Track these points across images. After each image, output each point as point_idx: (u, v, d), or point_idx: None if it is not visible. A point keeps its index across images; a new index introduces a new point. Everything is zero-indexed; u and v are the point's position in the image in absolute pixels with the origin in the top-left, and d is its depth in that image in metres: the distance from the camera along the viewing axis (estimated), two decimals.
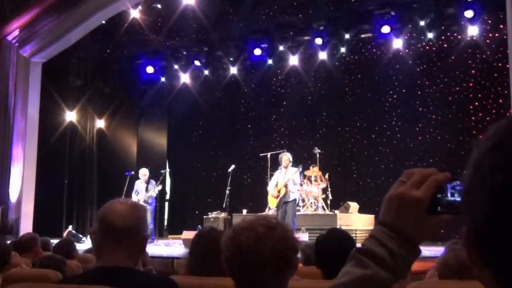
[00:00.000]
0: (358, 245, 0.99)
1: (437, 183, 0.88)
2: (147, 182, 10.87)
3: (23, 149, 10.94)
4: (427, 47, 11.69)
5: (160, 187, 10.87)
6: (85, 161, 13.42)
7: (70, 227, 11.82)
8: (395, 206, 0.90)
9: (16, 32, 10.80)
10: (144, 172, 10.95)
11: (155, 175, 11.16)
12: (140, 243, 1.91)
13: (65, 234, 11.13)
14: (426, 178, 0.89)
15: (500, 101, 10.81)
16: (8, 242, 4.07)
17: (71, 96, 13.14)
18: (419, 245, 0.91)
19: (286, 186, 9.05)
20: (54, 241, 5.18)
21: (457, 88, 11.51)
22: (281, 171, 9.30)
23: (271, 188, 9.37)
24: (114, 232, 1.84)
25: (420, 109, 11.87)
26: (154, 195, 10.87)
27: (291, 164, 9.30)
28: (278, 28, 12.12)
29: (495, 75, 11.02)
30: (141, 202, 10.39)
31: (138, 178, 11.02)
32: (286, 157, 9.30)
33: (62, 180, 12.85)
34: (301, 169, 9.39)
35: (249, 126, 13.97)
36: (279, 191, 9.08)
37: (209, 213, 11.50)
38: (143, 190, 10.77)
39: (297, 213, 9.76)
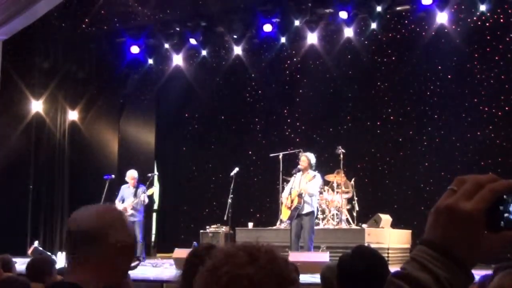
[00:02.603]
0: (391, 267, 0.98)
1: (496, 193, 0.88)
2: (136, 187, 10.94)
3: None
4: (479, 23, 11.61)
5: (155, 189, 10.88)
6: (54, 162, 13.47)
7: (36, 243, 11.88)
8: (442, 221, 0.90)
9: None
10: (132, 175, 11.03)
11: (141, 180, 11.20)
12: (110, 254, 1.80)
13: (29, 251, 11.19)
14: (481, 187, 0.89)
15: None
16: None
17: (38, 82, 13.19)
18: (471, 269, 0.91)
19: (300, 195, 9.02)
20: (17, 260, 5.22)
21: None
22: (297, 175, 9.29)
23: (285, 196, 9.36)
24: (75, 238, 1.82)
25: (470, 99, 11.80)
26: (146, 200, 10.94)
27: (312, 168, 9.27)
28: None
29: None
30: (129, 210, 10.55)
31: (125, 183, 11.09)
32: (304, 157, 9.27)
33: (27, 186, 12.91)
34: (316, 173, 9.33)
35: (256, 119, 13.97)
36: (292, 201, 9.07)
37: (207, 227, 11.51)
38: (131, 196, 10.83)
39: (316, 227, 9.75)
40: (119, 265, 1.84)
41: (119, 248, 1.81)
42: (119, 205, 10.88)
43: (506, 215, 0.88)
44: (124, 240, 1.82)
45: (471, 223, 0.88)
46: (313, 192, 9.15)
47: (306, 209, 9.06)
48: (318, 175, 9.30)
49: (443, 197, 0.92)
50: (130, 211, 10.77)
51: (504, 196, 0.88)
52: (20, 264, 7.77)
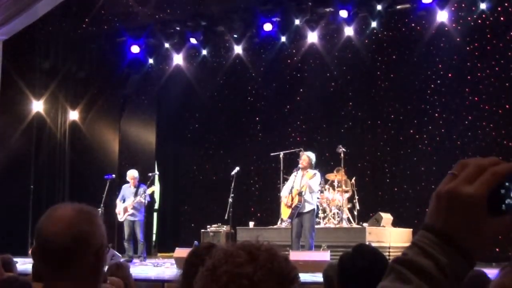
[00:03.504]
0: None
1: (498, 176, 0.87)
2: (137, 187, 11.00)
3: None
4: (479, 21, 11.61)
5: (155, 188, 10.91)
6: (55, 162, 13.47)
7: None
8: (443, 206, 0.90)
9: None
10: (132, 175, 11.10)
11: (142, 180, 11.23)
12: (95, 264, 1.71)
13: (30, 251, 11.20)
14: (483, 170, 0.88)
15: None
16: None
17: (38, 82, 13.19)
18: (474, 255, 0.90)
19: (300, 194, 9.04)
20: (18, 260, 5.21)
21: None
22: (297, 173, 9.30)
23: (284, 194, 9.39)
24: (50, 253, 1.67)
25: (470, 98, 11.80)
26: (148, 200, 11.03)
27: (313, 167, 9.31)
28: None
29: None
30: (130, 210, 10.71)
31: (126, 182, 11.16)
32: (305, 156, 9.32)
33: (27, 186, 12.90)
34: (316, 171, 9.37)
35: (257, 119, 13.97)
36: (292, 199, 9.09)
37: (208, 226, 11.53)
38: (132, 196, 10.90)
39: (317, 226, 9.76)
40: (99, 268, 1.76)
41: (99, 252, 1.72)
42: (119, 205, 10.95)
43: (507, 200, 0.87)
44: (102, 242, 1.73)
45: (473, 207, 0.87)
46: (316, 187, 9.21)
47: (307, 207, 9.09)
48: (318, 173, 9.38)
49: (444, 181, 0.91)
50: (130, 211, 10.83)
51: (506, 183, 0.88)
52: (21, 264, 7.79)
